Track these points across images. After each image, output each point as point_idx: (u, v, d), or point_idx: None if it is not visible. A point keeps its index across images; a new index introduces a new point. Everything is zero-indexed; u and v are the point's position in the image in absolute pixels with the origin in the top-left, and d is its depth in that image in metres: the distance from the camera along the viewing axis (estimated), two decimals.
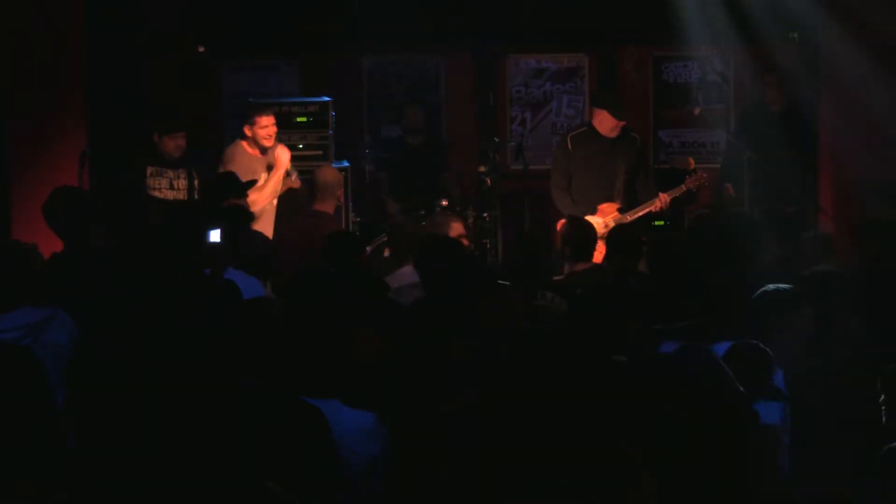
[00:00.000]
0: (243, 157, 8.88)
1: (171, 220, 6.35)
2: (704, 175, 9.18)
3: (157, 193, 8.97)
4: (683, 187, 9.08)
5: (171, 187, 9.06)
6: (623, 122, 9.15)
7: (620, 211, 9.03)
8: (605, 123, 9.15)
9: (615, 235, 7.75)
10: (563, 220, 9.14)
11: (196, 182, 9.15)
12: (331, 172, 8.36)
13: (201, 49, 11.42)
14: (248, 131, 8.97)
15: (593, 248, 8.25)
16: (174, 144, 9.05)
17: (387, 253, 9.01)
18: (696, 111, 11.18)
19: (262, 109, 9.12)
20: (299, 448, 3.68)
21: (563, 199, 9.22)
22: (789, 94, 9.60)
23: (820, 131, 9.57)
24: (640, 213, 9.07)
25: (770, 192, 9.29)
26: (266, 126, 8.95)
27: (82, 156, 9.02)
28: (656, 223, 9.56)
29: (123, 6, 10.44)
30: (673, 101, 11.73)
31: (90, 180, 8.97)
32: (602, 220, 8.93)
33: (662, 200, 9.02)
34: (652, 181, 9.40)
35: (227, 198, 7.78)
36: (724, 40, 10.88)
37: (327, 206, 8.03)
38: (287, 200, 9.05)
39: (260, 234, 7.38)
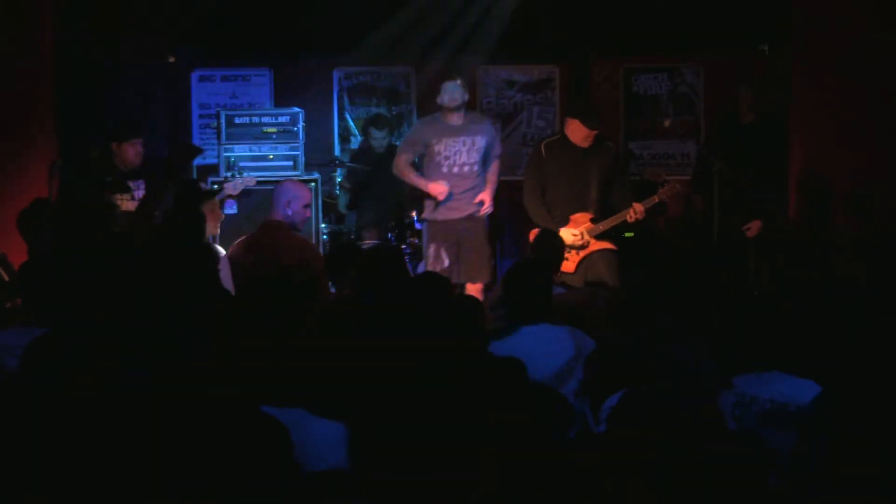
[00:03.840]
0: None
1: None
2: (677, 186, 9.18)
3: (122, 205, 8.82)
4: (656, 198, 9.08)
5: (134, 199, 8.93)
6: (595, 132, 9.13)
7: (593, 220, 9.02)
8: (577, 133, 9.12)
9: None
10: (535, 230, 9.16)
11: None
12: (288, 183, 8.30)
13: (172, 59, 11.40)
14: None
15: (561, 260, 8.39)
16: (134, 151, 8.90)
17: None
18: (667, 123, 11.23)
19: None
20: (258, 462, 3.65)
21: (537, 208, 9.20)
22: (760, 106, 9.63)
23: (790, 143, 9.61)
24: (613, 223, 9.07)
25: (740, 205, 9.31)
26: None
27: (52, 166, 8.97)
28: (626, 235, 9.56)
29: (94, 16, 10.40)
30: (643, 112, 11.77)
31: (60, 191, 8.92)
32: (576, 229, 8.94)
33: (637, 210, 9.02)
34: (628, 191, 9.38)
35: (194, 205, 7.76)
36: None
37: (277, 216, 7.98)
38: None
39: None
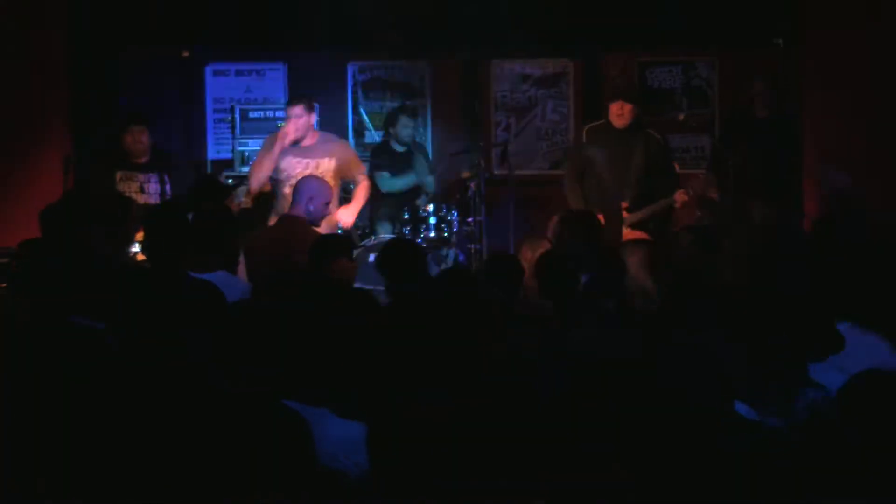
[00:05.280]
0: None
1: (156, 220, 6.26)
2: (707, 176, 9.17)
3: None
4: (691, 191, 9.08)
5: (142, 191, 8.98)
6: (627, 106, 9.13)
7: (629, 210, 9.01)
8: (612, 113, 9.20)
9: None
10: (554, 217, 9.13)
11: (167, 186, 9.10)
12: (310, 179, 8.30)
13: (186, 53, 11.41)
14: None
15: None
16: (131, 139, 8.98)
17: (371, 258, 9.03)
18: (681, 117, 11.18)
19: None
20: (278, 453, 3.65)
21: (573, 193, 9.23)
22: (774, 100, 9.61)
23: (804, 137, 9.60)
24: (645, 215, 9.05)
25: (754, 198, 9.29)
26: None
27: (66, 160, 8.99)
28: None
29: (108, 11, 10.41)
30: (657, 106, 11.73)
31: (74, 185, 8.94)
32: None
33: (678, 199, 8.99)
34: (672, 183, 9.33)
35: (211, 200, 7.77)
36: None
37: (298, 210, 7.98)
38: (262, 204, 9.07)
39: None
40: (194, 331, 4.41)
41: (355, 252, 8.69)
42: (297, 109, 8.85)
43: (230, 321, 4.31)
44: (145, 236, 5.90)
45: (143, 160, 9.05)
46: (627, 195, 9.08)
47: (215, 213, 6.95)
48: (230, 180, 9.67)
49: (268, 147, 8.84)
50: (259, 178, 8.81)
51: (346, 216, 8.82)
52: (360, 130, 11.83)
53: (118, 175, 8.98)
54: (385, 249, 6.60)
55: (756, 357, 4.37)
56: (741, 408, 4.17)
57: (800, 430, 4.11)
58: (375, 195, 10.69)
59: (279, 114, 10.27)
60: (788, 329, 4.54)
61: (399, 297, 6.05)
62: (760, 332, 4.50)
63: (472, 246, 10.17)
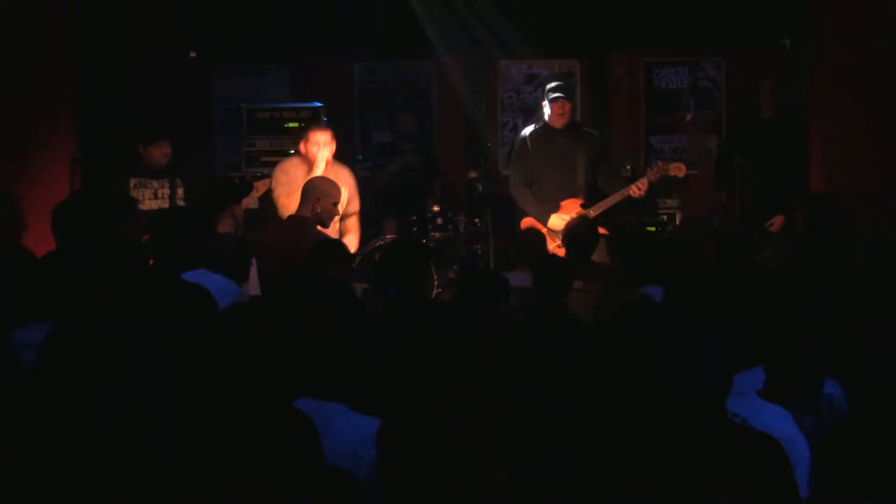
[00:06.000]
0: None
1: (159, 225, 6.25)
2: (666, 165, 9.17)
3: (139, 205, 8.82)
4: (650, 178, 9.09)
5: (156, 197, 8.95)
6: (568, 105, 9.16)
7: (584, 206, 9.03)
8: (554, 111, 9.22)
9: (569, 231, 7.94)
10: (525, 220, 9.17)
11: (180, 191, 9.07)
12: (314, 179, 8.27)
13: (193, 54, 11.41)
14: None
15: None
16: (160, 153, 8.93)
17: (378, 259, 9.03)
18: (688, 117, 11.18)
19: None
20: (284, 454, 3.66)
21: (526, 196, 9.27)
22: (781, 100, 9.61)
23: (811, 138, 9.59)
24: (604, 208, 9.06)
25: (761, 199, 9.28)
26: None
27: (73, 161, 8.98)
28: (648, 229, 9.55)
29: (116, 11, 10.42)
30: (664, 106, 11.73)
31: (81, 186, 8.94)
32: (566, 216, 8.92)
33: (640, 187, 9.00)
34: (615, 177, 9.39)
35: (227, 203, 7.77)
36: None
37: (305, 211, 7.97)
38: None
39: (231, 237, 7.34)
40: (192, 331, 4.41)
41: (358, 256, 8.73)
42: (328, 136, 8.55)
43: (230, 321, 4.32)
44: (150, 238, 5.90)
45: (159, 167, 9.01)
46: (579, 193, 9.12)
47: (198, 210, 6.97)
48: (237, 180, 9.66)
49: (290, 174, 8.51)
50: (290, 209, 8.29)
51: None
52: (366, 131, 11.83)
53: (132, 182, 8.93)
54: (387, 253, 6.57)
55: (784, 357, 4.37)
56: (772, 408, 4.18)
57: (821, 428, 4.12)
58: (378, 195, 10.72)
59: (286, 114, 10.25)
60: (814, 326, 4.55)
61: (391, 300, 6.02)
62: (787, 331, 4.49)
63: (478, 246, 10.17)
